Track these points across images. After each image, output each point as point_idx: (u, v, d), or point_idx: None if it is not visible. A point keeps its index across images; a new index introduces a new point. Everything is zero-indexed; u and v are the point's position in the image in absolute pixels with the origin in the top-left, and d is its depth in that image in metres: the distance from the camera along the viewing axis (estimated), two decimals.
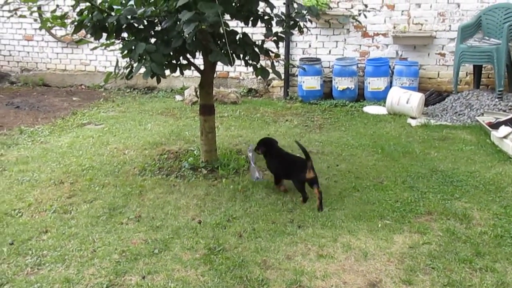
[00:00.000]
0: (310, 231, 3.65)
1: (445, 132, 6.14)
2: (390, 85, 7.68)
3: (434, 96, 7.59)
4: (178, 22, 4.12)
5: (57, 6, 4.35)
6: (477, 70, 7.51)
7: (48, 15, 4.36)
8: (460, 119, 6.68)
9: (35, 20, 4.33)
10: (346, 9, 7.81)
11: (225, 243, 3.49)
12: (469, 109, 6.84)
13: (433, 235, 3.59)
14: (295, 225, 3.76)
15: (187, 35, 4.07)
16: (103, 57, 9.23)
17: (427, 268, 3.18)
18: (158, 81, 4.33)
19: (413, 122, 6.61)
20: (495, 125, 5.89)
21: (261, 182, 4.56)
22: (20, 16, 4.13)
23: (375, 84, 7.75)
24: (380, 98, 7.64)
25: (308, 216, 3.89)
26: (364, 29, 7.97)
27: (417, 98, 6.90)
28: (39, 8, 4.12)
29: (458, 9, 7.64)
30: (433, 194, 4.28)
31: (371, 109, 7.40)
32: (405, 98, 6.95)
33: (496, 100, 6.84)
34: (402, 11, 7.84)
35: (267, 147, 4.57)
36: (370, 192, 4.35)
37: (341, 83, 7.82)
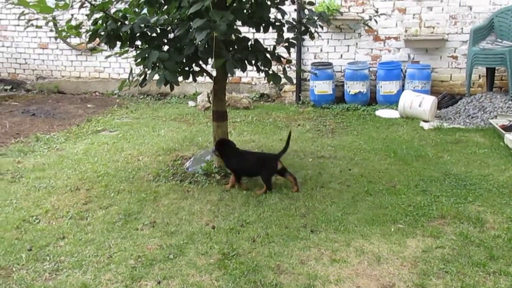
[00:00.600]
0: (323, 236, 3.67)
1: (458, 135, 6.12)
2: (402, 88, 7.68)
3: (446, 99, 7.57)
4: (190, 30, 4.19)
5: (72, 15, 4.42)
6: (490, 72, 7.48)
7: (62, 23, 4.45)
8: (473, 122, 6.65)
9: (51, 30, 4.42)
10: (357, 13, 7.86)
11: (239, 248, 3.53)
12: (482, 112, 6.82)
13: (447, 239, 3.59)
14: (308, 229, 3.78)
15: (199, 43, 4.13)
16: (117, 64, 9.35)
17: (441, 272, 3.18)
18: (172, 88, 4.39)
19: (426, 126, 6.60)
20: (509, 128, 5.87)
21: (275, 186, 4.58)
22: (37, 26, 4.22)
23: (387, 87, 7.75)
24: (392, 101, 7.64)
25: (321, 221, 3.91)
26: (375, 33, 7.98)
27: (429, 101, 6.89)
28: (54, 18, 4.20)
29: (470, 11, 7.62)
30: (446, 198, 4.28)
31: (384, 112, 7.40)
32: (417, 102, 6.94)
33: (510, 102, 6.80)
34: (414, 14, 7.84)
35: (223, 148, 4.73)
36: (383, 196, 4.36)
37: (353, 87, 7.83)
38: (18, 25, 9.61)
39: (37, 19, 4.19)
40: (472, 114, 6.86)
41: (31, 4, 3.89)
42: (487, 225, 3.77)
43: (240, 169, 4.67)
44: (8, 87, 10.08)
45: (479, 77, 7.78)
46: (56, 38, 4.46)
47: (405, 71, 7.81)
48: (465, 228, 3.73)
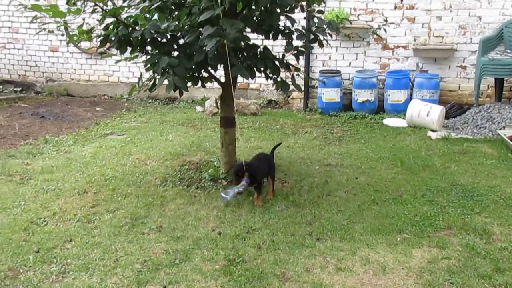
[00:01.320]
0: (329, 244, 3.68)
1: (466, 145, 6.11)
2: (410, 97, 7.69)
3: (455, 109, 7.56)
4: (200, 37, 4.23)
5: (83, 20, 4.46)
6: (499, 83, 7.47)
7: (73, 27, 4.49)
8: (481, 133, 6.64)
9: (62, 34, 4.47)
10: (366, 22, 7.88)
11: (245, 254, 3.54)
12: (490, 123, 6.80)
13: (453, 250, 3.59)
14: (314, 237, 3.79)
15: (209, 50, 4.16)
16: (126, 68, 9.41)
17: (446, 283, 3.18)
18: (181, 94, 4.42)
19: (433, 135, 6.59)
20: None
21: (281, 194, 4.60)
22: (49, 31, 4.27)
23: (395, 96, 7.75)
24: (400, 110, 7.64)
25: (327, 229, 3.91)
26: (384, 41, 7.99)
27: (437, 110, 6.89)
28: (65, 22, 4.24)
29: (479, 21, 7.62)
30: (452, 209, 4.27)
31: (391, 121, 7.40)
32: (425, 111, 6.94)
33: None
34: (423, 23, 7.85)
35: (247, 170, 4.30)
36: (389, 205, 4.36)
37: (361, 95, 7.84)
38: (29, 28, 9.71)
39: (48, 23, 4.24)
40: (480, 125, 6.84)
41: (44, 8, 3.93)
42: (493, 237, 3.76)
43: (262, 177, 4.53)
44: (18, 89, 10.19)
45: (488, 88, 7.77)
46: (68, 43, 4.50)
47: (414, 80, 7.81)
48: (471, 240, 3.72)
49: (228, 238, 3.79)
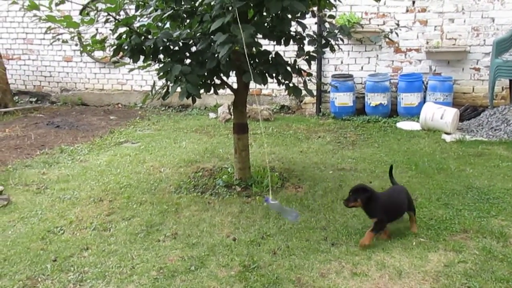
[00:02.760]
0: (344, 249, 3.67)
1: (481, 148, 6.06)
2: (424, 100, 7.64)
3: (469, 111, 7.51)
4: (212, 44, 4.25)
5: (97, 29, 4.52)
6: None
7: (87, 36, 4.55)
8: (496, 135, 6.58)
9: (76, 44, 4.53)
10: (378, 25, 7.86)
11: (260, 260, 3.55)
12: (505, 124, 6.74)
13: (469, 253, 3.56)
14: (328, 242, 3.78)
15: (221, 57, 4.18)
16: (139, 77, 9.48)
17: (463, 287, 3.15)
18: (194, 101, 4.45)
19: (448, 138, 6.54)
20: None
21: (295, 199, 4.60)
22: (63, 41, 4.33)
23: (408, 99, 7.72)
24: (413, 113, 7.60)
25: (342, 234, 3.90)
26: (396, 45, 7.97)
27: (451, 113, 6.84)
28: (79, 33, 4.30)
29: (492, 23, 7.57)
30: (468, 212, 4.24)
31: (405, 125, 7.36)
32: (439, 114, 6.89)
33: None
34: (435, 26, 7.81)
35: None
36: None
37: (374, 99, 7.82)
38: (44, 38, 9.84)
39: (62, 33, 4.30)
40: (495, 127, 6.78)
41: (58, 19, 3.99)
42: (510, 240, 3.73)
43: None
44: (34, 99, 10.32)
45: (502, 89, 7.70)
46: (81, 53, 4.55)
47: (427, 83, 7.77)
48: (488, 243, 3.69)
49: (243, 244, 3.80)
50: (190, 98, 4.42)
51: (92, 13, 4.23)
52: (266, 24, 4.48)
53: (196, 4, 4.41)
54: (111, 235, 4.03)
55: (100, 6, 4.19)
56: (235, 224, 4.15)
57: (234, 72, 4.70)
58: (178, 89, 4.29)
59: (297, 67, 4.75)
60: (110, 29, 4.42)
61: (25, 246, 3.86)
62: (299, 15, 4.45)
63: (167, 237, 3.96)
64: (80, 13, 4.21)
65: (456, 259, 3.49)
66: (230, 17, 3.83)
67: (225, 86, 4.90)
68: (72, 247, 3.83)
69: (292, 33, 4.65)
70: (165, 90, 4.72)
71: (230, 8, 3.88)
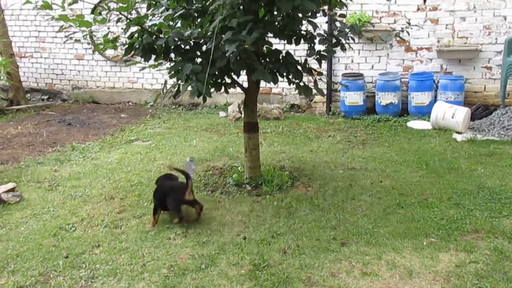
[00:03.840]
0: (354, 248, 3.67)
1: (493, 147, 6.02)
2: (435, 99, 7.61)
3: (480, 110, 7.46)
4: (222, 42, 4.26)
5: (108, 28, 4.55)
6: None
7: (99, 35, 4.58)
8: (508, 134, 6.53)
9: (88, 43, 4.56)
10: (389, 24, 7.83)
11: (270, 259, 3.56)
12: None
13: (480, 253, 3.54)
14: (339, 242, 3.78)
15: (231, 55, 4.20)
16: (150, 75, 9.52)
17: None
18: (204, 100, 4.45)
19: (459, 137, 6.51)
20: None
21: (305, 198, 4.60)
22: (75, 40, 4.37)
23: (419, 98, 7.68)
24: (424, 112, 7.57)
25: (352, 233, 3.90)
26: (407, 43, 7.93)
27: (462, 112, 6.81)
28: (91, 32, 4.33)
29: (504, 21, 7.51)
30: (480, 212, 4.22)
31: (415, 124, 7.33)
32: (450, 113, 6.86)
33: None
34: (446, 25, 7.77)
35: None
36: (415, 209, 4.33)
37: (384, 98, 7.79)
38: (56, 37, 9.92)
39: (74, 32, 4.33)
40: (507, 126, 6.74)
41: (70, 18, 4.02)
42: None
43: None
44: (45, 97, 10.42)
45: None
46: (93, 52, 4.59)
47: (438, 82, 7.73)
48: (499, 243, 3.67)
49: (253, 243, 3.81)
50: (201, 97, 4.43)
51: (104, 12, 4.25)
52: (277, 23, 4.49)
53: (207, 3, 4.42)
54: (122, 233, 4.06)
55: (112, 5, 4.22)
56: (245, 223, 4.17)
57: (244, 71, 4.70)
58: (189, 88, 4.30)
59: (307, 66, 4.74)
60: (122, 28, 4.44)
61: (38, 243, 3.90)
62: (310, 14, 4.44)
63: (177, 235, 3.98)
64: (92, 12, 4.22)
65: (467, 259, 3.48)
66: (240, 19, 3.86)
67: (236, 85, 4.91)
68: (84, 244, 3.86)
69: (303, 32, 4.65)
70: (176, 89, 4.73)
71: (241, 7, 3.89)
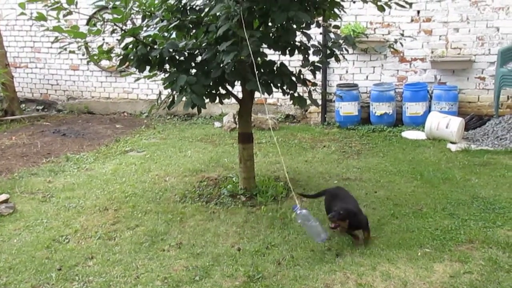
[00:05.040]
0: (349, 259, 3.66)
1: (487, 157, 6.04)
2: (429, 109, 7.64)
3: (474, 120, 7.49)
4: (218, 54, 4.28)
5: (103, 39, 4.55)
6: None
7: (94, 46, 4.59)
8: (502, 144, 6.56)
9: (83, 54, 4.57)
10: (383, 35, 7.88)
11: (264, 270, 3.54)
12: (511, 134, 6.72)
13: (475, 264, 3.54)
14: (333, 253, 3.78)
15: (226, 66, 4.21)
16: (145, 85, 9.52)
17: None
18: (199, 111, 4.46)
19: (453, 147, 6.53)
20: None
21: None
22: (70, 52, 4.37)
23: (413, 109, 7.71)
24: (418, 123, 7.60)
25: (346, 244, 3.90)
26: (401, 54, 7.97)
27: (457, 122, 6.83)
28: (86, 43, 4.34)
29: (497, 32, 7.57)
30: (474, 222, 4.23)
31: (410, 134, 7.35)
32: (444, 123, 6.89)
33: None
34: (440, 36, 7.82)
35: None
36: (409, 219, 4.33)
37: (379, 108, 7.82)
38: (51, 47, 9.91)
39: (69, 43, 4.34)
40: (501, 136, 6.77)
41: (65, 29, 4.03)
42: None
43: None
44: (40, 107, 10.40)
45: (508, 98, 7.68)
46: (88, 62, 4.59)
47: (432, 92, 7.77)
48: (494, 253, 3.67)
49: (248, 254, 3.80)
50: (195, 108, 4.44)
51: (98, 24, 4.27)
52: (271, 35, 4.51)
53: (202, 15, 4.44)
54: (116, 244, 4.04)
55: (107, 16, 4.23)
56: (239, 234, 4.16)
57: (239, 81, 4.71)
58: (184, 99, 4.31)
59: (302, 77, 4.76)
60: (117, 39, 4.46)
61: (30, 255, 3.87)
62: (304, 25, 4.47)
63: (171, 246, 3.97)
64: (87, 24, 4.23)
65: (461, 269, 3.47)
66: (236, 21, 3.86)
67: (230, 96, 4.92)
68: (77, 256, 3.84)
69: (297, 43, 4.67)
70: (170, 99, 4.74)
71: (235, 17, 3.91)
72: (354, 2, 4.72)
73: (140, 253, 3.87)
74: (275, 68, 4.65)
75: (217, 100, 4.75)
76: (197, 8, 4.52)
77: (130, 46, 4.44)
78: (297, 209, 3.63)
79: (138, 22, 4.93)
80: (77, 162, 6.44)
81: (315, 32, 6.45)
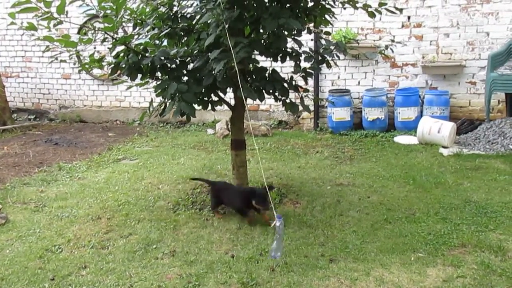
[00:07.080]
0: (342, 265, 3.66)
1: (478, 161, 6.07)
2: (421, 114, 7.68)
3: (466, 124, 7.54)
4: (209, 61, 4.29)
5: (95, 48, 4.56)
6: (510, 98, 7.45)
7: (85, 54, 4.58)
8: (493, 148, 6.60)
9: (74, 63, 4.57)
10: (374, 41, 7.93)
11: (258, 277, 3.54)
12: (502, 138, 6.77)
13: (467, 268, 3.55)
14: (327, 258, 3.77)
15: (217, 73, 4.22)
16: (137, 93, 9.53)
17: None
18: (188, 119, 4.45)
19: (445, 152, 6.56)
20: None
21: (293, 215, 4.60)
22: (61, 61, 4.36)
23: (405, 114, 7.76)
24: (410, 128, 7.64)
25: (340, 250, 3.90)
26: (392, 59, 8.03)
27: (448, 127, 6.87)
28: (77, 52, 4.34)
29: (487, 37, 7.64)
30: (466, 226, 4.24)
31: (402, 139, 7.39)
32: (436, 128, 6.92)
33: None
34: (431, 41, 7.88)
35: None
36: (402, 224, 4.34)
37: (371, 114, 7.85)
38: (42, 56, 9.91)
39: (61, 52, 4.34)
40: (492, 140, 6.81)
41: (56, 39, 4.03)
42: (509, 254, 3.73)
43: None
44: (32, 117, 10.37)
45: (499, 103, 7.75)
46: (79, 71, 4.59)
47: (423, 97, 7.82)
48: (486, 257, 3.69)
49: (241, 261, 3.79)
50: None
51: (90, 32, 4.27)
52: (262, 41, 4.52)
53: (193, 22, 4.46)
54: (109, 253, 4.02)
55: (98, 25, 4.23)
56: (233, 241, 4.15)
57: (231, 88, 4.72)
58: (174, 107, 4.31)
59: (293, 83, 4.78)
60: (108, 48, 4.46)
61: (23, 265, 3.84)
62: (295, 32, 4.49)
63: (165, 254, 3.95)
64: (78, 32, 4.23)
65: (454, 274, 3.48)
66: (221, 28, 3.87)
67: (223, 103, 4.92)
68: (70, 266, 3.82)
69: (288, 49, 4.69)
70: (162, 107, 4.74)
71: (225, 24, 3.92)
72: (345, 8, 4.74)
73: (134, 261, 3.86)
74: (267, 74, 4.66)
75: (210, 107, 4.76)
76: (188, 15, 4.54)
77: (122, 54, 4.44)
78: (281, 220, 3.60)
79: (130, 30, 4.94)
80: (69, 171, 6.41)
81: (307, 38, 6.50)
